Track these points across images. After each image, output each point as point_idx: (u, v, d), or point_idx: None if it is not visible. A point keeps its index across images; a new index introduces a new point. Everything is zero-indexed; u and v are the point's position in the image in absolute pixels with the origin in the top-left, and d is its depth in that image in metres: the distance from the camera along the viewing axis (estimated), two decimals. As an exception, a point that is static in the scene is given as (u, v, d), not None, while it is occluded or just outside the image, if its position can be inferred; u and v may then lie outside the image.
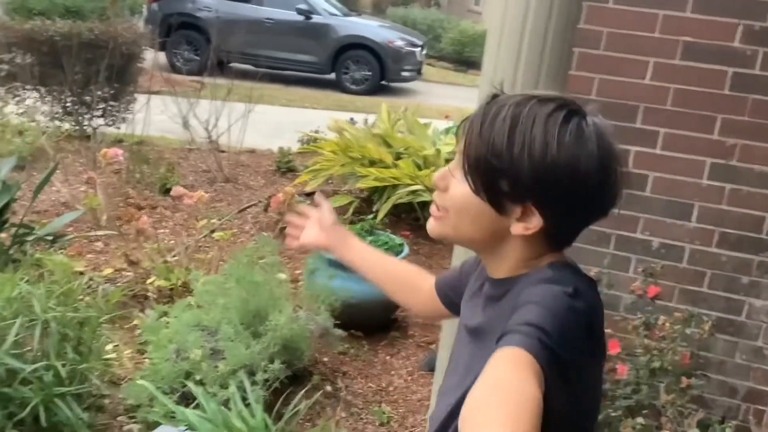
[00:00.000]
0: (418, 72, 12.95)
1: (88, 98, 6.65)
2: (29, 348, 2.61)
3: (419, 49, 12.80)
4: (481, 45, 15.31)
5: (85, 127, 6.74)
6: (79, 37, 6.42)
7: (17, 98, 6.62)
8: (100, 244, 4.37)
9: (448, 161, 5.65)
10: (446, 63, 16.24)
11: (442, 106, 9.73)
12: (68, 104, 6.70)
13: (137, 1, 12.82)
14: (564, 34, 2.04)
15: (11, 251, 3.57)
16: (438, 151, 5.20)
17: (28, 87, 6.64)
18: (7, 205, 3.65)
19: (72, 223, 4.37)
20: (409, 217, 5.26)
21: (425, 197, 4.89)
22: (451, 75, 15.35)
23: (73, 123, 6.74)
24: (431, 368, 3.27)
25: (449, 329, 1.91)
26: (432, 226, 1.12)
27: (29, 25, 6.71)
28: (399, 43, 12.44)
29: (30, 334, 2.61)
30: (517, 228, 1.03)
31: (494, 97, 1.05)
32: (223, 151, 6.32)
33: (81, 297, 2.98)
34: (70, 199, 4.87)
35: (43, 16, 7.67)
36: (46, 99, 6.69)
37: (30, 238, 3.72)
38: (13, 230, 3.68)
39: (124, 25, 7.23)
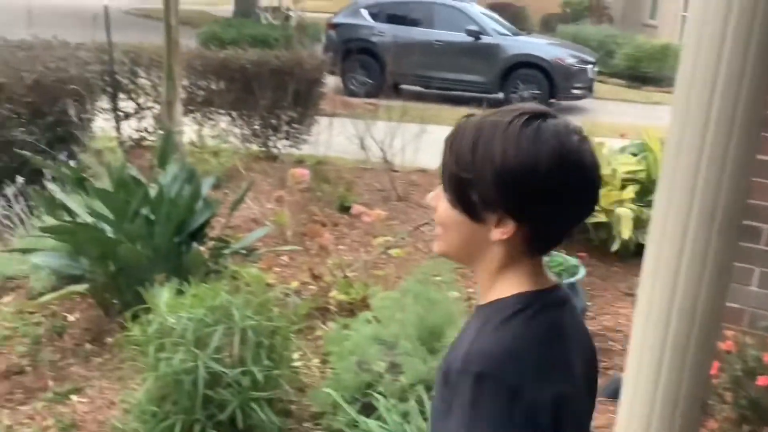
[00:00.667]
0: (590, 89, 12.62)
1: (274, 121, 7.08)
2: (228, 354, 2.81)
3: (590, 65, 12.47)
4: (657, 59, 14.74)
5: (271, 149, 7.18)
6: (268, 65, 6.86)
7: (212, 122, 7.16)
8: (286, 258, 4.62)
9: (624, 181, 5.40)
10: (619, 79, 15.69)
11: (615, 124, 9.42)
12: (257, 127, 7.17)
13: (317, 29, 13.47)
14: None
15: (209, 263, 3.87)
16: (614, 170, 5.05)
17: (221, 111, 7.17)
18: (207, 221, 3.96)
19: (261, 238, 4.66)
20: (583, 238, 5.14)
21: (600, 218, 4.76)
22: (624, 92, 14.81)
23: (261, 145, 7.19)
24: (612, 395, 3.18)
25: (636, 354, 1.85)
26: (435, 245, 1.18)
27: (223, 55, 7.25)
28: (569, 60, 12.19)
29: (229, 341, 2.81)
30: (496, 234, 1.08)
31: (469, 116, 1.11)
32: (396, 171, 6.49)
33: (272, 308, 3.17)
34: (259, 215, 5.20)
35: (233, 46, 8.25)
36: (237, 122, 7.19)
37: (226, 251, 4.01)
38: (211, 244, 3.99)
39: (307, 52, 7.64)
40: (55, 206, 3.77)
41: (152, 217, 3.72)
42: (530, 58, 12.11)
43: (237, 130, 7.20)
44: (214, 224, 4.36)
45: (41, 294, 3.93)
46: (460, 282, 4.28)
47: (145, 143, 6.84)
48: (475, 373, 1.02)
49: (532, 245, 1.09)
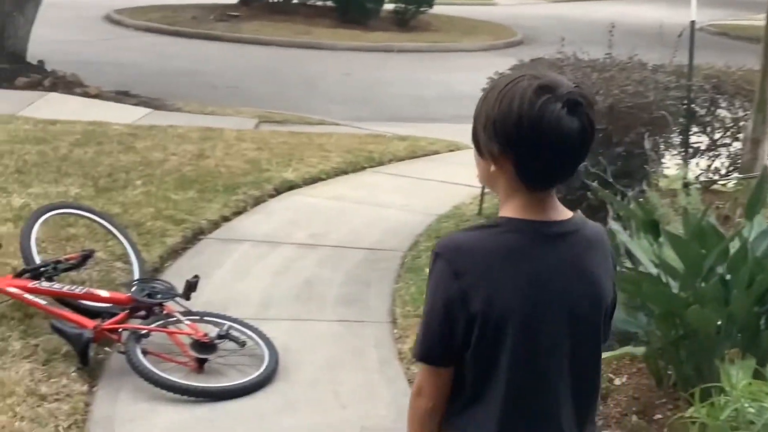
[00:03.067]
0: None
1: None
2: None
3: None
4: None
5: None
6: None
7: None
8: None
9: None
10: None
11: None
12: None
13: None
14: None
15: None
16: None
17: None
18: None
19: None
20: None
21: None
22: None
23: None
24: None
25: None
26: None
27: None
28: None
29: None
30: (493, 167, 1.80)
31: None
32: None
33: None
34: None
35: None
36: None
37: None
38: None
39: None
40: (616, 249, 3.97)
41: (729, 277, 3.67)
42: None
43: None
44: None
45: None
46: None
47: (713, 187, 6.78)
48: (435, 252, 1.82)
49: (521, 179, 1.78)
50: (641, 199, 4.74)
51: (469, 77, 11.69)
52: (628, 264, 3.99)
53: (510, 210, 1.80)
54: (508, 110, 1.72)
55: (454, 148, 9.21)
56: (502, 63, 7.17)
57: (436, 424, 1.87)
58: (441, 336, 1.80)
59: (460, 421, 1.85)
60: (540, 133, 1.71)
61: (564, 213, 1.84)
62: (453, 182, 7.60)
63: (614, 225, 4.35)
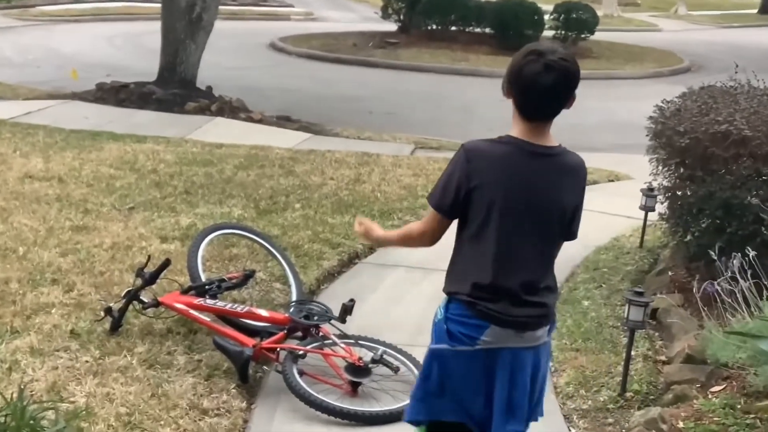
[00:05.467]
0: None
1: None
2: None
3: None
4: None
5: None
6: None
7: None
8: None
9: None
10: None
11: None
12: None
13: None
14: None
15: None
16: None
17: None
18: None
19: None
20: None
21: None
22: None
23: None
24: None
25: None
26: None
27: None
28: None
29: None
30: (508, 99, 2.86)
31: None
32: None
33: None
34: None
35: None
36: None
37: None
38: None
39: None
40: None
41: None
42: None
43: None
44: None
45: (760, 391, 3.97)
46: None
47: None
48: (462, 145, 2.83)
49: (517, 109, 2.81)
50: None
51: (633, 106, 11.40)
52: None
53: (513, 132, 2.81)
54: (513, 63, 2.77)
55: (614, 178, 9.00)
56: (668, 91, 6.95)
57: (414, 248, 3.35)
58: (449, 194, 2.81)
59: (460, 269, 2.96)
60: (524, 81, 2.74)
61: (552, 142, 2.83)
62: (613, 213, 7.43)
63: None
